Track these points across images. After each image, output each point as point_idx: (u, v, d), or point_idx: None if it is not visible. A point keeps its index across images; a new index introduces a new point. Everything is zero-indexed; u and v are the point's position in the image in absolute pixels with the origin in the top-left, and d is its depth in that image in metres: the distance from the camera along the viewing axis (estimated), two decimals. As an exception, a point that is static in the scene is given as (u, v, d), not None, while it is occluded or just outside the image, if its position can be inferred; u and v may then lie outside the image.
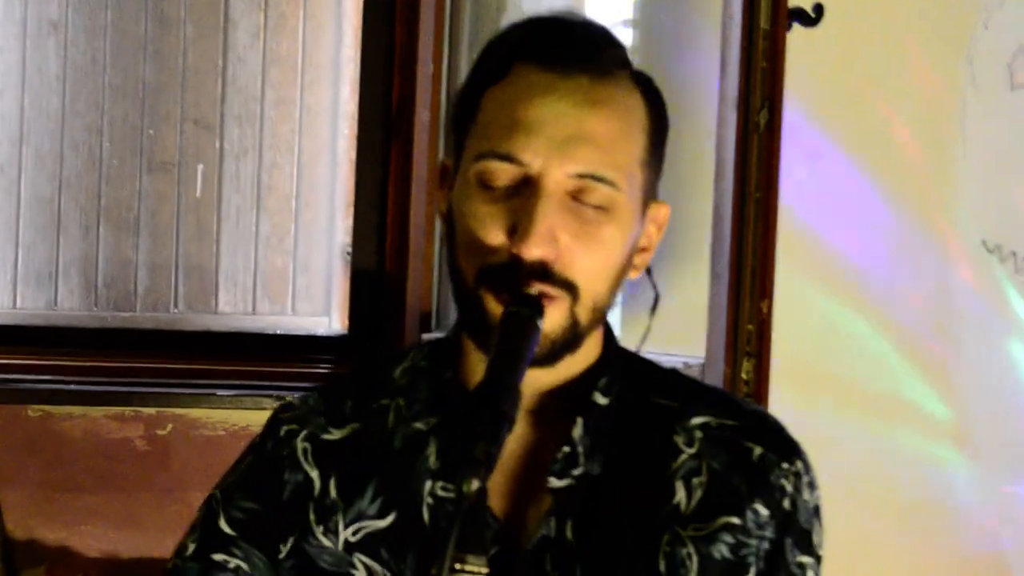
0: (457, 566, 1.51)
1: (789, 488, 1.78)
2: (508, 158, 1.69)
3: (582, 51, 1.73)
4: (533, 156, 1.68)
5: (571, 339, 1.73)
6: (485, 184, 1.71)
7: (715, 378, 3.35)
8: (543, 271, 1.68)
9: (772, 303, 3.35)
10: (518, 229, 1.67)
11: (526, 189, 1.69)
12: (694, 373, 3.42)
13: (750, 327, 3.33)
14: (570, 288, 1.70)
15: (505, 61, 1.74)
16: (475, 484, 1.49)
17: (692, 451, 1.79)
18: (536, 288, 1.68)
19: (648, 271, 1.88)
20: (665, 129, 1.82)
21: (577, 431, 1.76)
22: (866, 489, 3.65)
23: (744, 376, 3.33)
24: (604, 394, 1.80)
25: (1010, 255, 3.75)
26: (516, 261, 1.67)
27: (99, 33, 3.86)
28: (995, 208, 3.75)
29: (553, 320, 1.70)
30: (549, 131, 1.68)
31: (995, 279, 3.75)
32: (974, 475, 3.73)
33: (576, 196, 1.70)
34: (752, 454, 1.79)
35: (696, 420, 1.81)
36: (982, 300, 3.74)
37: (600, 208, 1.70)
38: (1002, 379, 3.76)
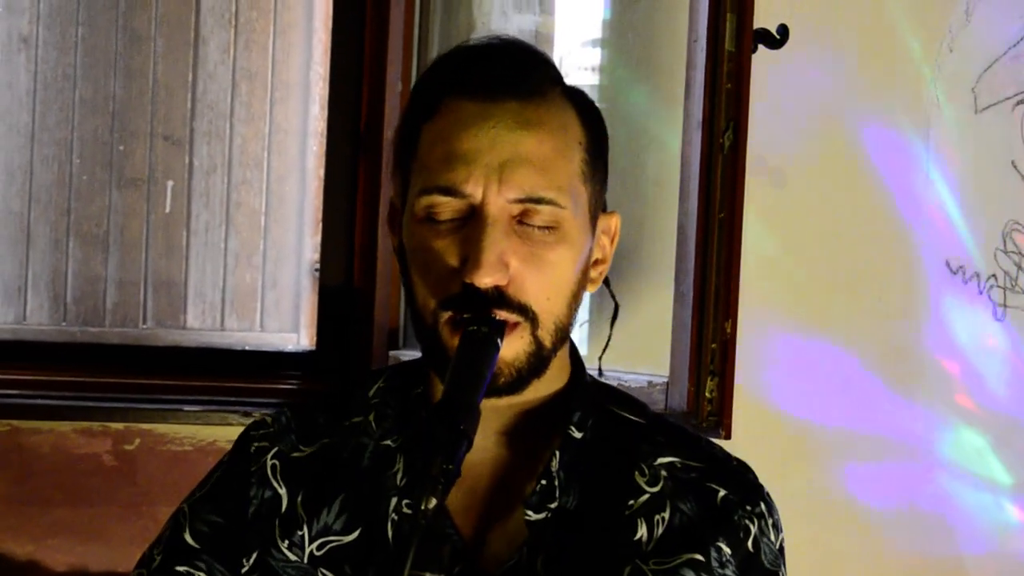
0: (415, 584, 1.53)
1: (753, 529, 1.80)
2: (449, 191, 1.71)
3: (509, 76, 1.74)
4: (474, 187, 1.70)
5: (536, 364, 1.75)
6: (431, 219, 1.72)
7: (679, 396, 3.36)
8: (498, 297, 1.69)
9: (736, 323, 3.36)
10: (468, 259, 1.68)
11: (472, 220, 1.70)
12: (658, 391, 3.44)
13: (714, 346, 3.35)
14: (525, 312, 1.72)
15: (435, 96, 1.76)
16: (432, 502, 1.50)
17: (655, 490, 1.81)
18: (497, 315, 1.70)
19: (606, 282, 1.89)
20: (603, 141, 1.83)
21: (555, 465, 1.78)
22: (825, 509, 3.67)
23: (707, 394, 3.34)
24: (579, 428, 1.81)
25: (974, 276, 3.77)
26: (471, 290, 1.69)
27: (69, 49, 3.86)
28: (959, 229, 3.76)
29: (516, 348, 1.72)
30: (485, 159, 1.70)
31: (959, 300, 3.77)
32: (935, 494, 3.75)
33: (522, 219, 1.72)
34: (716, 496, 1.81)
35: (662, 459, 1.83)
36: (945, 321, 3.75)
37: (547, 228, 1.72)
38: (965, 401, 3.78)
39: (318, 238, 3.83)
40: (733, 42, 3.33)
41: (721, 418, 3.35)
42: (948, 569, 3.79)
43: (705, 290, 3.35)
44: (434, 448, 1.54)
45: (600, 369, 2.12)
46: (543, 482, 1.77)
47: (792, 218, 3.64)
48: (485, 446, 1.77)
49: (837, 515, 3.67)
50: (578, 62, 3.88)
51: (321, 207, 3.79)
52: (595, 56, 3.84)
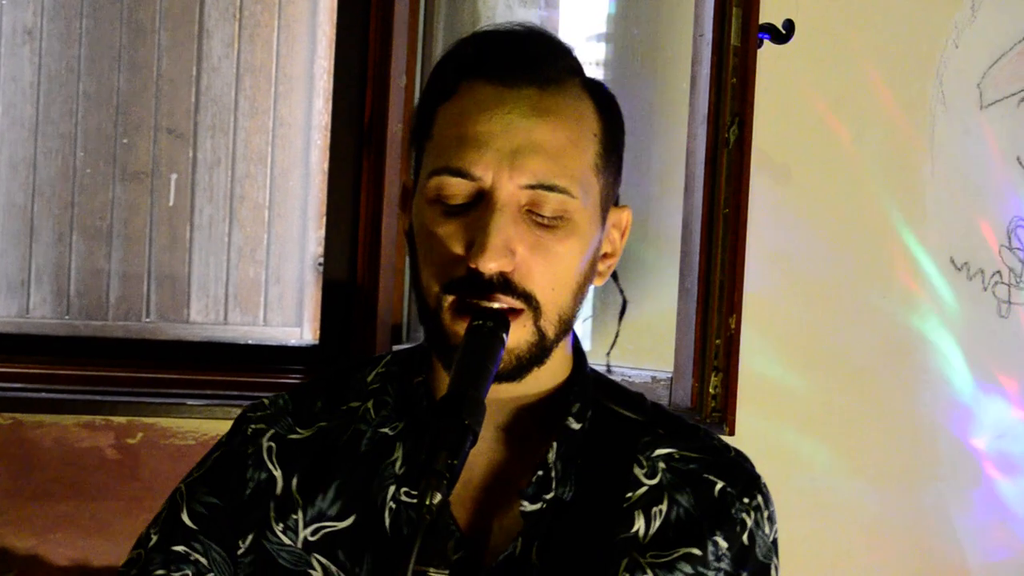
0: (419, 579, 1.52)
1: (749, 522, 1.81)
2: (460, 173, 1.70)
3: (529, 63, 1.74)
4: (484, 170, 1.69)
5: (538, 353, 1.75)
6: (441, 200, 1.72)
7: (683, 392, 3.36)
8: (503, 283, 1.69)
9: (740, 318, 3.36)
10: (474, 243, 1.68)
11: (480, 203, 1.70)
12: (662, 387, 3.44)
13: (718, 342, 3.34)
14: (529, 300, 1.71)
15: (454, 78, 1.75)
16: (437, 497, 1.49)
17: (653, 483, 1.81)
18: (498, 301, 1.69)
19: (615, 277, 1.89)
20: (619, 134, 1.83)
21: (551, 456, 1.78)
22: (829, 504, 3.66)
23: (711, 390, 3.34)
24: (577, 420, 1.81)
25: (978, 272, 3.77)
26: (475, 275, 1.68)
27: (74, 41, 3.86)
28: (963, 226, 3.76)
29: (518, 336, 1.71)
30: (497, 144, 1.70)
31: (963, 297, 3.76)
32: (937, 492, 3.75)
33: (531, 208, 1.71)
34: (714, 488, 1.81)
35: (660, 451, 1.83)
36: (950, 317, 3.75)
37: (556, 218, 1.72)
38: (963, 399, 3.78)
39: (322, 232, 3.83)
40: (738, 37, 3.33)
41: (725, 414, 3.35)
42: (951, 568, 3.79)
43: (710, 285, 3.35)
44: (439, 443, 1.53)
45: (608, 366, 2.11)
46: (540, 473, 1.77)
47: (796, 214, 3.63)
48: (484, 440, 1.76)
49: (840, 511, 3.67)
50: (583, 57, 3.86)
51: (325, 201, 3.79)
52: (600, 51, 3.84)
